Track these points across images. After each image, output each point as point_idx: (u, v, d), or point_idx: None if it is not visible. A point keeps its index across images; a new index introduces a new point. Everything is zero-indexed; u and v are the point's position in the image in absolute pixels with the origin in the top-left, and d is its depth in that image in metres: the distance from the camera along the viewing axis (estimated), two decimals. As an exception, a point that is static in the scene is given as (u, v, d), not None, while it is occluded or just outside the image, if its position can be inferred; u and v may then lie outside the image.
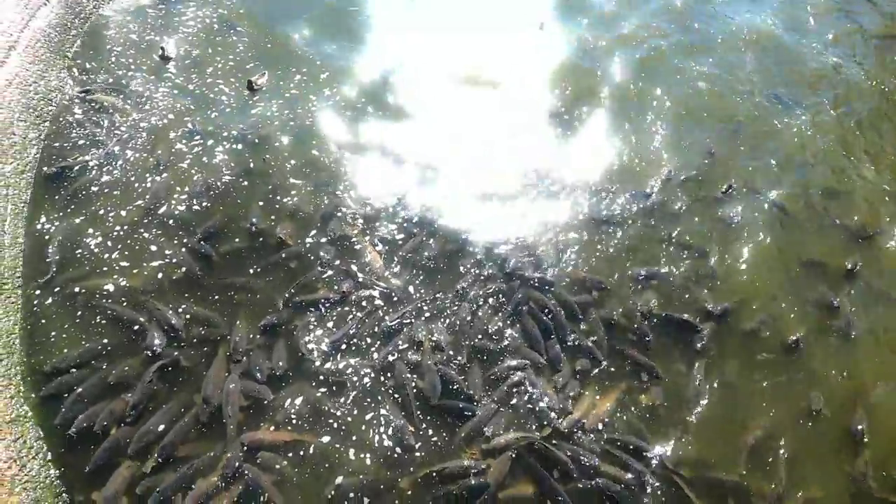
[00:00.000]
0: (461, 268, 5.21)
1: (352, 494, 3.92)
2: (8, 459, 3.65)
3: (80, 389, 4.10)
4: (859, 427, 4.56)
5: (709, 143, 6.58)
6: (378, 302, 4.89)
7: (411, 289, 5.02)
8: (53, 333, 4.39)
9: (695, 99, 7.09)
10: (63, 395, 4.10)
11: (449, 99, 6.82)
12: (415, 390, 4.37)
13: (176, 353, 4.39)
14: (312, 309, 4.78)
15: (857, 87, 7.55)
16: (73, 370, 4.22)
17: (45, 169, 5.33)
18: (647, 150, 6.47)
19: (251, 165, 5.68)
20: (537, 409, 4.41)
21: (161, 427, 4.04)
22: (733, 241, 5.72)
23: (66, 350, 4.32)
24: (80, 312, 4.52)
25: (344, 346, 4.60)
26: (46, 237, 4.89)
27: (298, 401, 4.29)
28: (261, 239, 5.15)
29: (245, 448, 4.00)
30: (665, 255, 5.53)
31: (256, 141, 5.87)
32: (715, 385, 4.74)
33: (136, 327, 4.49)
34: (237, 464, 3.91)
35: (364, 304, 4.87)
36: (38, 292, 4.56)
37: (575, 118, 6.77)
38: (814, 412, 4.62)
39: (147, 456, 3.94)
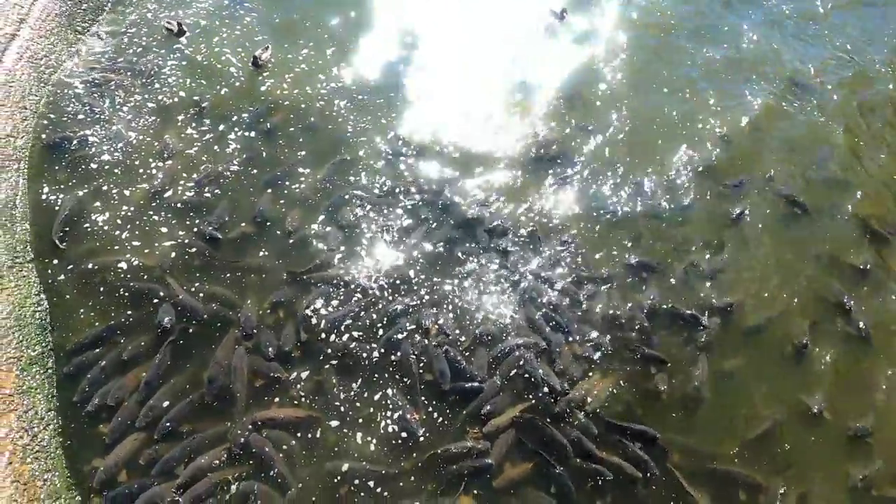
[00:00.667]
0: (466, 255, 5.21)
1: (357, 478, 3.98)
2: (20, 429, 3.72)
3: (94, 370, 4.18)
4: (862, 426, 4.56)
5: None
6: (383, 285, 4.92)
7: (414, 274, 5.04)
8: (71, 308, 4.46)
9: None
10: (80, 373, 4.18)
11: (463, 80, 6.78)
12: (424, 378, 4.42)
13: (188, 329, 4.46)
14: (319, 287, 4.82)
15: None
16: (90, 349, 4.30)
17: (43, 138, 5.34)
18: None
19: (262, 151, 5.68)
20: (537, 386, 4.48)
21: (166, 403, 4.11)
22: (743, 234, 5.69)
23: (81, 325, 4.40)
24: (94, 287, 4.58)
25: (347, 325, 4.64)
26: (53, 209, 4.93)
27: (304, 375, 4.37)
28: (268, 224, 5.16)
29: (255, 424, 4.07)
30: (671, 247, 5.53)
31: (268, 126, 5.85)
32: (717, 379, 4.74)
33: (149, 303, 4.56)
34: (243, 438, 3.98)
35: (370, 288, 4.89)
36: (50, 268, 4.61)
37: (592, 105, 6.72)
38: (815, 413, 4.61)
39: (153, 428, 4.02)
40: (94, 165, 5.27)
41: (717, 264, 5.41)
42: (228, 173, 5.45)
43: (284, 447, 4.03)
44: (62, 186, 5.09)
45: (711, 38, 7.67)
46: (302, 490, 3.89)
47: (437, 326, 4.68)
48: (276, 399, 4.25)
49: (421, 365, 4.48)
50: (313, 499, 3.87)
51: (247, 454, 3.97)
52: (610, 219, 5.66)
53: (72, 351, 4.28)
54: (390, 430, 4.19)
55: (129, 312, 4.50)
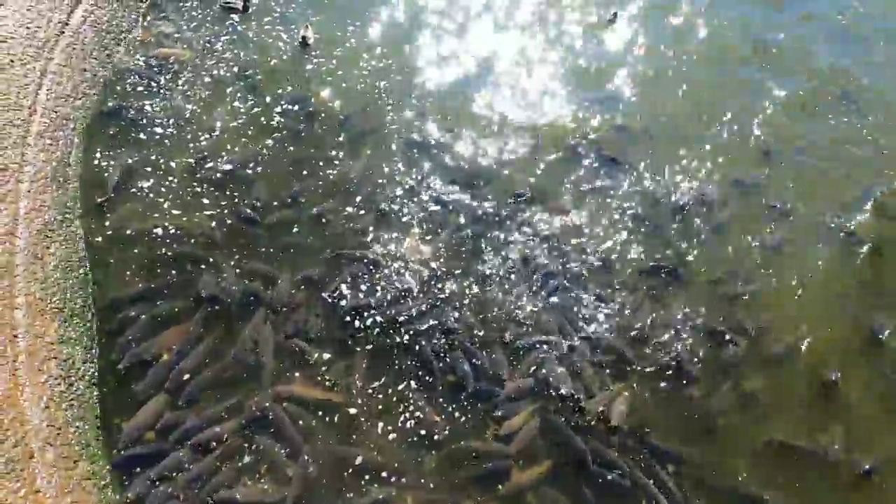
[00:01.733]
0: (498, 252, 5.24)
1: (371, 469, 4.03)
2: (58, 377, 3.92)
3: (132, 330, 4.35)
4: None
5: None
6: (408, 280, 4.97)
7: (442, 267, 5.08)
8: (110, 269, 4.65)
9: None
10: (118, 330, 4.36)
11: (512, 72, 6.85)
12: (447, 379, 4.46)
13: (222, 301, 4.58)
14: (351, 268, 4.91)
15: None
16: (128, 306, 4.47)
17: (104, 107, 5.55)
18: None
19: (301, 130, 5.81)
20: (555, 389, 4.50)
21: (188, 375, 4.22)
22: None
23: (118, 285, 4.58)
24: (132, 250, 4.77)
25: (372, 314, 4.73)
26: (104, 172, 5.13)
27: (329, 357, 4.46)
28: (302, 203, 5.27)
29: (276, 398, 4.19)
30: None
31: (311, 109, 5.97)
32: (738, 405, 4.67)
33: (186, 270, 4.72)
34: (262, 408, 4.10)
35: (395, 281, 4.94)
36: (94, 227, 4.81)
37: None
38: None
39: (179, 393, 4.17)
40: (144, 133, 5.46)
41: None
42: (267, 150, 5.58)
43: (301, 422, 4.13)
44: (113, 151, 5.27)
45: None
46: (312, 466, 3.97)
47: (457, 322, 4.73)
48: (299, 376, 4.34)
49: (443, 365, 4.50)
50: (324, 480, 3.96)
51: (262, 425, 4.09)
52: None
53: (109, 308, 4.44)
54: (408, 425, 4.24)
55: (165, 277, 4.65)
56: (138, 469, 3.81)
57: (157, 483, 3.77)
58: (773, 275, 5.41)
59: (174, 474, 3.81)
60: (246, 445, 4.00)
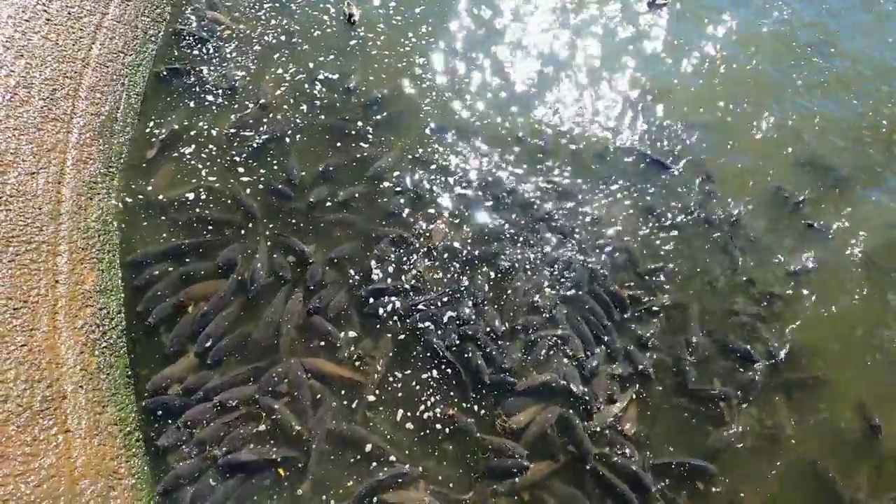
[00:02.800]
0: (524, 246, 5.17)
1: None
2: (93, 324, 4.07)
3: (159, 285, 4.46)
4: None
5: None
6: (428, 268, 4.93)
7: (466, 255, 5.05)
8: (143, 227, 4.76)
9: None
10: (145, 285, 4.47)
11: (555, 57, 6.70)
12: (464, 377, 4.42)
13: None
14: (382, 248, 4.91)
15: None
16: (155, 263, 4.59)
17: (154, 66, 5.64)
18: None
19: (339, 106, 5.80)
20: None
21: (210, 338, 4.30)
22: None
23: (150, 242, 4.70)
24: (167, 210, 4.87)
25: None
26: (149, 130, 5.24)
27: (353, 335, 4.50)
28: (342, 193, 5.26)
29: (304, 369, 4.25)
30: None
31: (351, 87, 5.93)
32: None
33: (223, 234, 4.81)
34: (283, 375, 4.19)
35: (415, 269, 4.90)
36: (134, 184, 4.92)
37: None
38: None
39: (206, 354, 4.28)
40: (192, 95, 5.54)
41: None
42: (301, 121, 5.59)
43: (318, 396, 4.19)
44: (161, 109, 5.38)
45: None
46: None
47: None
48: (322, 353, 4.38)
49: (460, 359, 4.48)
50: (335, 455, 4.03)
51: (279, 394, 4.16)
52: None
53: (137, 263, 4.54)
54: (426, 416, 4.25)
55: (198, 239, 4.74)
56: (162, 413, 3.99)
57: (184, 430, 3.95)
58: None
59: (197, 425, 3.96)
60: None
